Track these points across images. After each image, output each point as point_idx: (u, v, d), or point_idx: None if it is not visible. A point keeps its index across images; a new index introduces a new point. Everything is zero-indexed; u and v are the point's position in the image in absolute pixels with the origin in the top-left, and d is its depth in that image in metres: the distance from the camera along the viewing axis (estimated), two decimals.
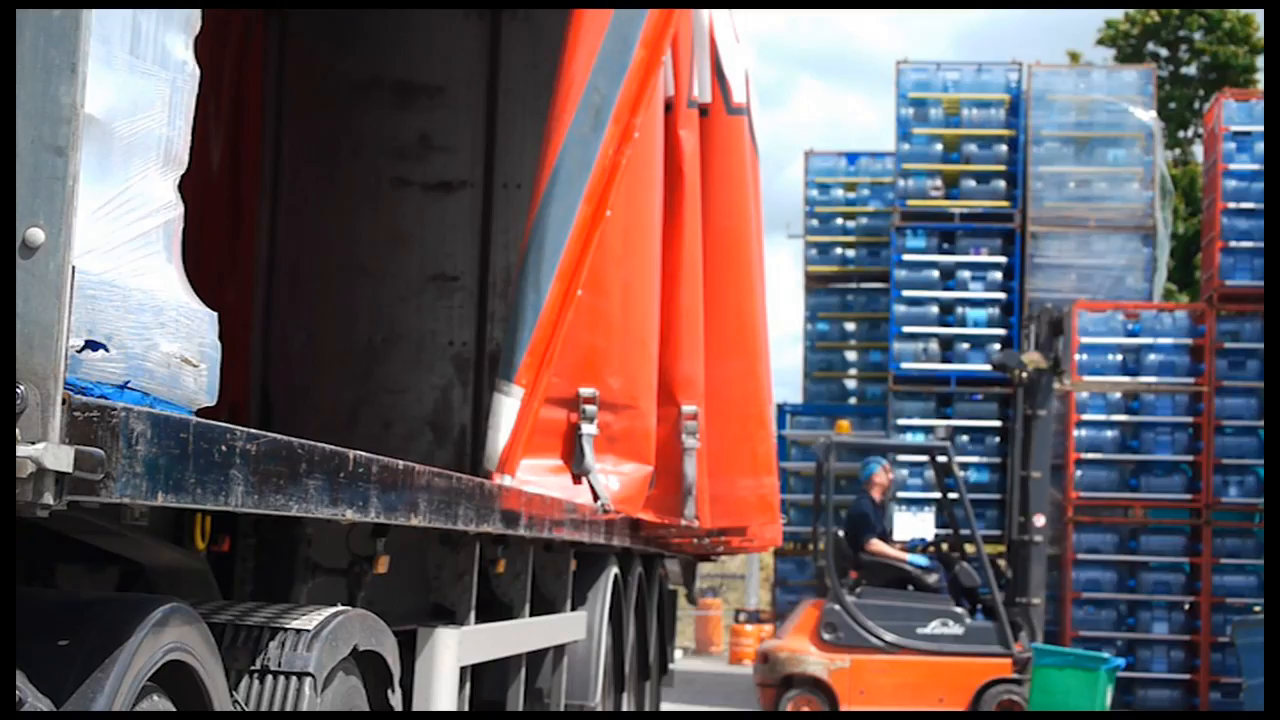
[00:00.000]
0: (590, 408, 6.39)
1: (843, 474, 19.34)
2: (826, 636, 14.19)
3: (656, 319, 7.15)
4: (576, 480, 6.33)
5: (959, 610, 14.33)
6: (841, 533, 14.78)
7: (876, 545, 14.57)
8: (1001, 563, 17.59)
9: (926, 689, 14.14)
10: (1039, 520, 14.90)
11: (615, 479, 6.60)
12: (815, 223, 20.56)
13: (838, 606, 14.22)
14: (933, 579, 14.46)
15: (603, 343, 6.58)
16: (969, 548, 14.84)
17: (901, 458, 17.47)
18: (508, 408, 5.94)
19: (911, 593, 14.43)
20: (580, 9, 6.34)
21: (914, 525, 17.62)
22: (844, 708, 14.07)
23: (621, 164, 6.31)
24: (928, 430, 18.23)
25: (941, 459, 15.20)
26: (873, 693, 14.11)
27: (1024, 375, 14.91)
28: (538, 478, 6.09)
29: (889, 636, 14.16)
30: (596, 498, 6.36)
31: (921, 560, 14.71)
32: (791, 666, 14.21)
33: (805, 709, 14.16)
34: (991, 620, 14.33)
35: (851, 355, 20.56)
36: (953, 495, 15.21)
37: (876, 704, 14.07)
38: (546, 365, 6.04)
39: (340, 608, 3.66)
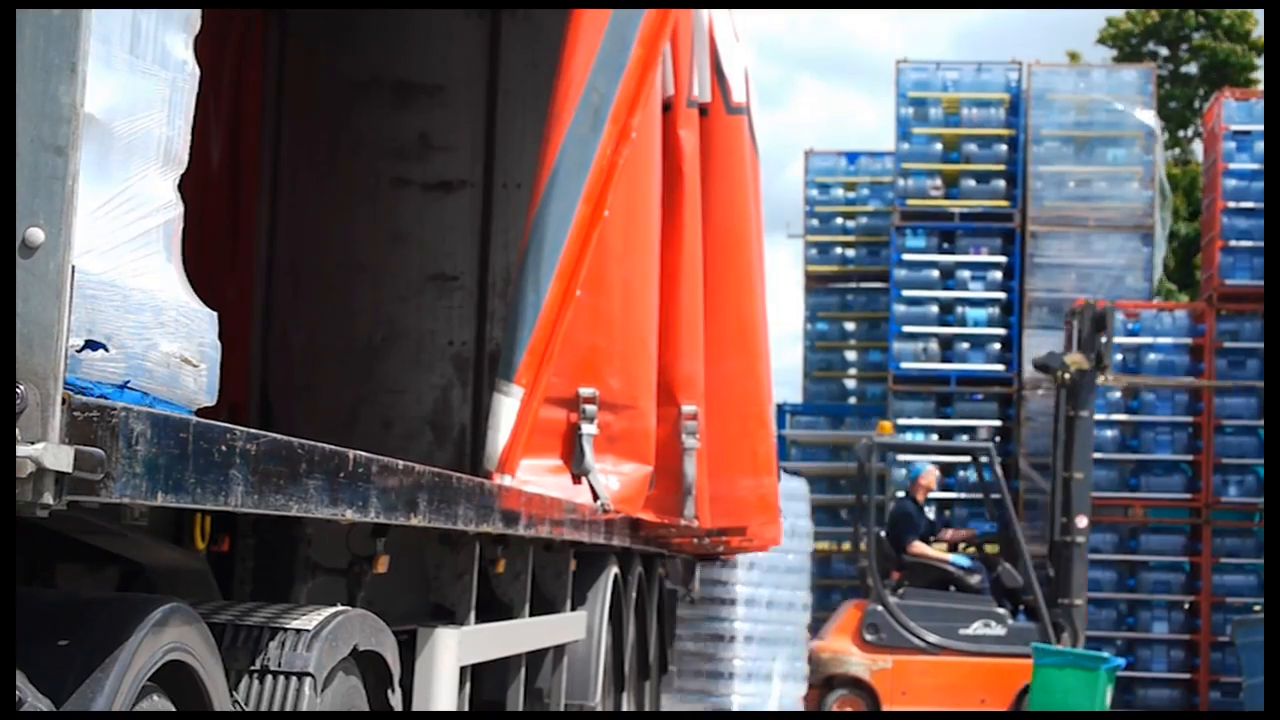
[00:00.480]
0: (590, 407, 6.39)
1: (843, 474, 19.34)
2: (869, 637, 14.21)
3: (656, 319, 7.14)
4: (576, 480, 6.33)
5: (1001, 611, 14.34)
6: (883, 533, 14.77)
7: (919, 547, 14.58)
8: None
9: (968, 689, 14.14)
10: (1081, 521, 14.87)
11: (615, 479, 6.59)
12: (815, 222, 20.54)
13: (880, 607, 14.24)
14: (975, 580, 14.46)
15: (602, 342, 6.58)
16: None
17: (902, 457, 17.48)
18: (507, 408, 5.94)
19: (954, 594, 14.43)
20: (580, 9, 6.34)
21: None
22: (886, 708, 14.09)
23: (619, 164, 6.31)
24: (927, 430, 18.21)
25: (984, 459, 15.20)
26: (914, 693, 14.13)
27: (1066, 376, 14.87)
28: (537, 478, 6.09)
29: (931, 637, 14.16)
30: (596, 497, 6.36)
31: (964, 561, 14.69)
32: (834, 667, 14.25)
33: (849, 709, 14.19)
34: (1034, 621, 14.32)
35: (851, 355, 20.54)
36: (995, 496, 15.18)
37: (918, 704, 14.08)
38: (546, 365, 6.04)
39: (340, 608, 3.66)
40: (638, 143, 6.51)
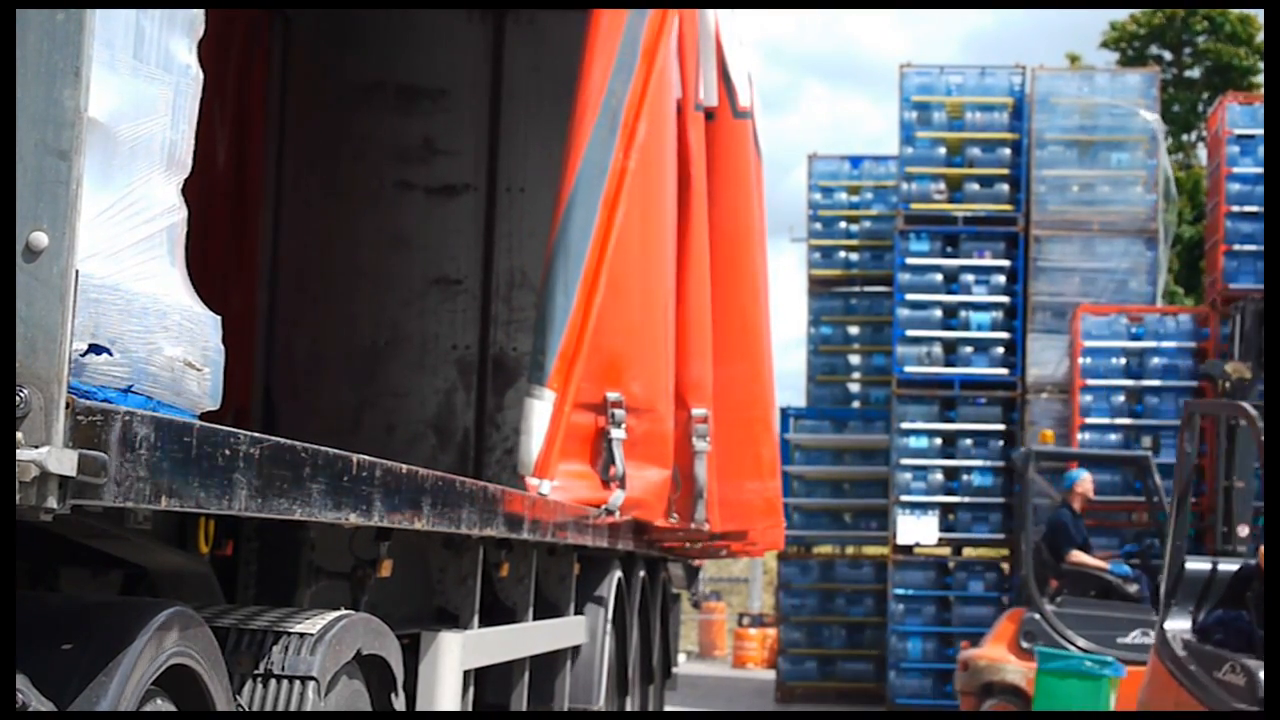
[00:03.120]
0: (619, 412, 6.38)
1: (847, 478, 19.32)
2: (1025, 645, 14.11)
3: (672, 323, 7.14)
4: (606, 485, 6.31)
5: None
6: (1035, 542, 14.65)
7: (1077, 555, 14.45)
8: (1005, 566, 17.55)
9: (1123, 699, 13.98)
10: (1243, 530, 14.68)
11: (638, 483, 6.58)
12: (819, 226, 20.54)
13: (1037, 616, 14.14)
14: (1134, 589, 14.32)
15: (623, 347, 6.57)
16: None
17: (905, 460, 17.45)
18: (540, 412, 5.94)
19: (1112, 602, 14.28)
20: (598, 9, 6.33)
21: (915, 529, 17.58)
22: None
23: (630, 168, 6.31)
24: (930, 434, 18.18)
25: (1144, 467, 15.10)
26: None
27: (1227, 385, 14.74)
28: (565, 483, 6.08)
29: (1087, 645, 14.01)
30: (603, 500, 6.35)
31: (1125, 569, 14.57)
32: (990, 674, 14.16)
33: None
34: None
35: (855, 359, 20.53)
36: (1156, 501, 15.03)
37: None
38: (576, 369, 6.04)
39: (343, 612, 3.65)
40: (652, 147, 6.51)
